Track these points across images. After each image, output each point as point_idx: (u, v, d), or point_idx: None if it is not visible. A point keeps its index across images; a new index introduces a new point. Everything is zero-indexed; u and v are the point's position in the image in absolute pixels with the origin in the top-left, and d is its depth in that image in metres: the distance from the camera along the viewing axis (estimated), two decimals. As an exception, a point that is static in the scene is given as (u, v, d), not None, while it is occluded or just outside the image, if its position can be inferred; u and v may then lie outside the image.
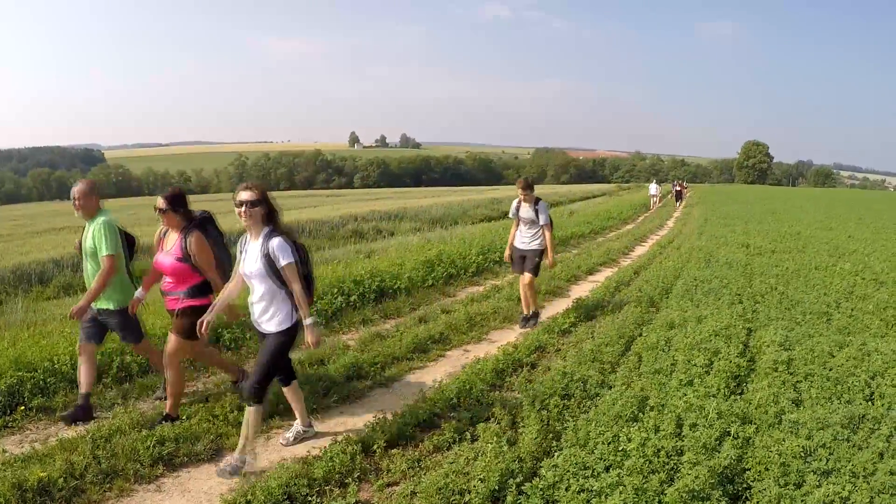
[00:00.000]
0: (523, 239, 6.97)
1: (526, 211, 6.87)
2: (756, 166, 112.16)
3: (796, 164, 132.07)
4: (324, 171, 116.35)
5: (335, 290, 7.48)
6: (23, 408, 4.43)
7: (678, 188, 34.77)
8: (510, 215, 7.14)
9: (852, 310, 7.25)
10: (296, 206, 38.54)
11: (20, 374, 4.67)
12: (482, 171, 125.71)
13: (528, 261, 6.93)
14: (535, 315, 7.23)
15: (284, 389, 4.05)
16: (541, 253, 6.93)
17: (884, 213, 31.57)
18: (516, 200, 6.96)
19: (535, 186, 7.08)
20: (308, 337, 3.65)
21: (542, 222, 6.79)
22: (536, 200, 6.84)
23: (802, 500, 3.01)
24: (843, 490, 3.02)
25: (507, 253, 7.20)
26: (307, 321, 3.62)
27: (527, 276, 6.93)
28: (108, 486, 3.48)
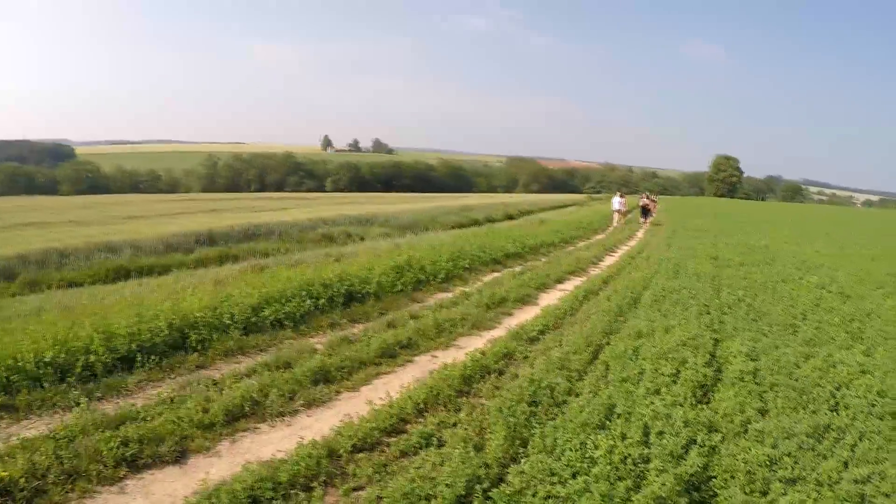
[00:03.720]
0: None
1: None
2: (726, 180, 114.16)
3: (766, 180, 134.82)
4: (295, 174, 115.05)
5: (303, 294, 7.33)
6: None
7: (645, 202, 27.75)
8: None
9: (818, 322, 7.38)
10: (266, 209, 38.05)
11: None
12: (452, 177, 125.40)
13: None
14: None
15: None
16: None
17: (851, 228, 32.46)
18: None
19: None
20: None
21: None
22: None
23: (768, 509, 3.02)
24: (808, 498, 3.04)
25: None
26: None
27: None
28: (70, 486, 3.42)
